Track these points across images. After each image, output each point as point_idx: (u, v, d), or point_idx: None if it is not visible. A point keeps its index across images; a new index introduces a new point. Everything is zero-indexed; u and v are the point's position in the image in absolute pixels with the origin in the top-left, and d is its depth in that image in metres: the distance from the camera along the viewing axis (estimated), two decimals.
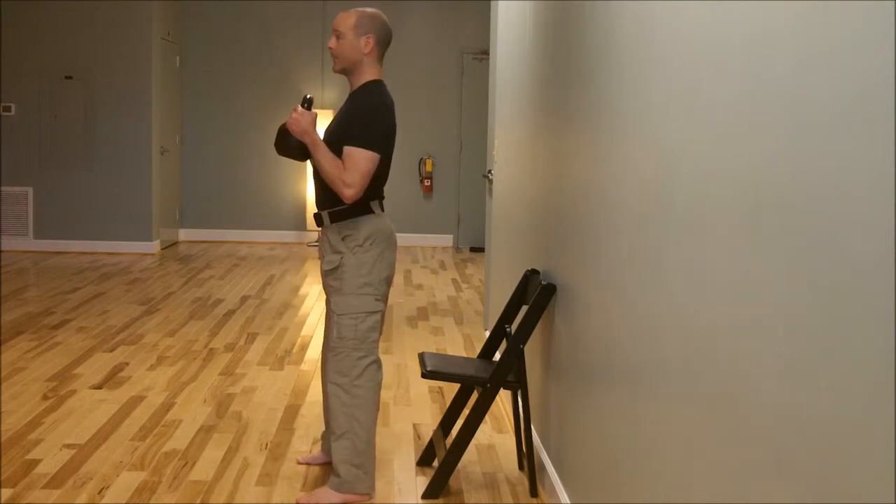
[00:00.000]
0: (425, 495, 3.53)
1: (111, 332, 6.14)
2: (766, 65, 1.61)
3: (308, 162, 3.55)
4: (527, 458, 3.62)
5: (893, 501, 1.18)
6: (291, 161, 10.79)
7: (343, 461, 3.43)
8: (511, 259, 4.83)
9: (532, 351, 3.86)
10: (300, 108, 3.43)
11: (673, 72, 2.13)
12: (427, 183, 11.00)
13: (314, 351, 5.78)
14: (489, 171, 6.13)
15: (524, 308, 3.71)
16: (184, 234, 10.93)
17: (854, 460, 1.29)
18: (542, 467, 3.61)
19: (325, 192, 3.49)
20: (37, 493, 3.48)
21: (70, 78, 9.73)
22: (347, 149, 3.37)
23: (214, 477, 3.69)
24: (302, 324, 6.59)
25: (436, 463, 3.80)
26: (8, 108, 9.72)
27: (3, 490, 3.48)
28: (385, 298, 3.52)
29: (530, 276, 3.83)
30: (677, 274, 2.07)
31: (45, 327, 6.21)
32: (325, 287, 3.54)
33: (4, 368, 5.16)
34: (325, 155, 3.39)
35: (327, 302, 3.58)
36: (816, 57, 1.43)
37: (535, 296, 3.54)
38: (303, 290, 7.93)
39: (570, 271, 3.27)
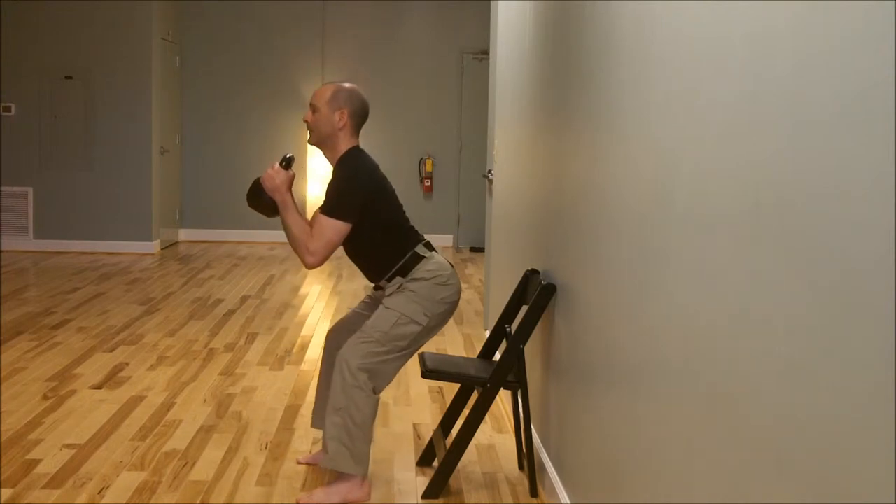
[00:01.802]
0: (425, 495, 3.53)
1: (111, 332, 6.14)
2: (766, 65, 1.61)
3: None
4: (527, 458, 3.62)
5: (893, 501, 1.18)
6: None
7: (332, 437, 3.45)
8: (511, 259, 4.83)
9: (532, 351, 3.86)
10: (277, 165, 3.52)
11: (673, 72, 2.13)
12: (427, 183, 11.00)
13: (314, 351, 5.78)
14: (489, 171, 6.13)
15: (524, 308, 3.71)
16: (184, 234, 10.93)
17: (854, 460, 1.29)
18: (542, 467, 3.61)
19: (372, 264, 3.61)
20: (37, 493, 3.48)
21: (70, 78, 9.73)
22: (319, 216, 3.48)
23: (214, 477, 3.69)
24: (302, 324, 6.59)
25: (436, 463, 3.80)
26: (8, 108, 9.72)
27: (3, 490, 3.48)
28: (432, 328, 3.55)
29: (530, 276, 3.83)
30: (677, 274, 2.07)
31: (45, 327, 6.21)
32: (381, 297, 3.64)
33: (4, 368, 5.16)
34: (293, 217, 3.49)
35: (365, 300, 3.77)
36: (816, 57, 1.43)
37: (535, 296, 3.54)
38: (303, 290, 7.94)
39: (570, 271, 3.27)
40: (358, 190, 3.49)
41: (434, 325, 3.56)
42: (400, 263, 3.53)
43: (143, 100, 9.72)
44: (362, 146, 3.65)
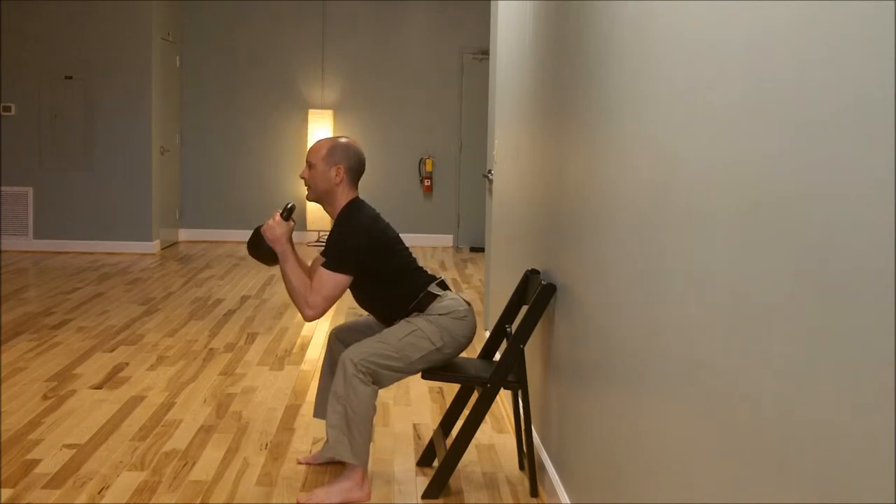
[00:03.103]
0: (425, 495, 3.53)
1: (111, 332, 6.14)
2: (766, 65, 1.61)
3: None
4: (527, 458, 3.62)
5: (893, 501, 1.18)
6: (292, 161, 10.79)
7: (332, 425, 3.46)
8: (511, 259, 4.83)
9: (532, 351, 3.86)
10: (278, 216, 3.54)
11: (673, 72, 2.13)
12: (427, 183, 11.00)
13: (314, 351, 5.78)
14: (489, 171, 6.13)
15: (524, 308, 3.71)
16: (184, 234, 10.93)
17: (854, 460, 1.29)
18: (542, 467, 3.61)
19: (385, 312, 3.63)
20: (37, 493, 3.48)
21: (70, 78, 9.73)
22: (319, 269, 3.50)
23: (214, 477, 3.69)
24: (302, 324, 6.59)
25: (436, 463, 3.80)
26: (8, 108, 9.72)
27: (3, 490, 3.48)
28: (445, 354, 3.55)
29: (530, 276, 3.83)
30: (677, 274, 2.07)
31: (45, 327, 6.21)
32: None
33: (4, 368, 5.16)
34: (292, 269, 3.51)
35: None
36: (816, 57, 1.43)
37: (535, 296, 3.54)
38: None
39: (570, 271, 3.27)
40: (359, 244, 3.52)
41: (448, 353, 3.57)
42: (413, 303, 3.55)
43: (143, 100, 9.72)
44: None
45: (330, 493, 3.46)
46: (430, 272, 3.69)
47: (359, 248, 3.51)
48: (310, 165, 3.60)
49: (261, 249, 3.59)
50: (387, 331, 3.53)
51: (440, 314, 3.53)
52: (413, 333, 3.50)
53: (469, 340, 3.62)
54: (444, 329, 3.52)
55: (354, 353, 3.45)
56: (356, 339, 3.65)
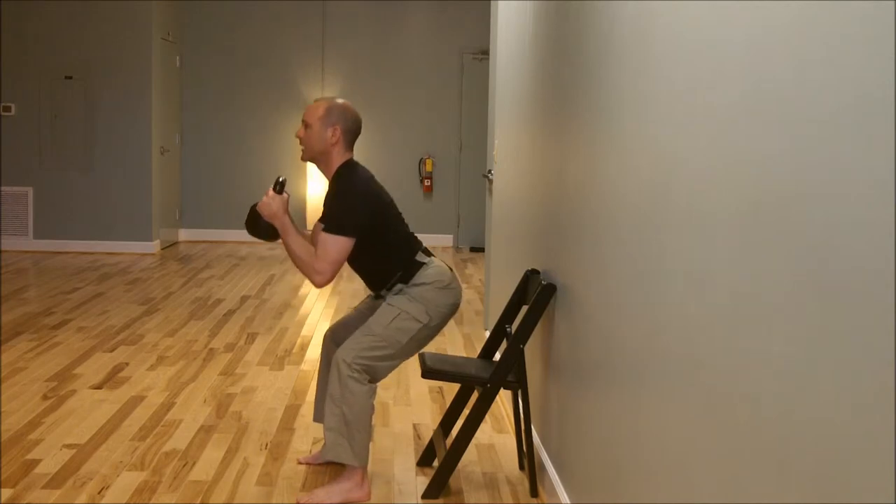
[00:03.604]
0: (425, 495, 3.53)
1: (111, 332, 6.14)
2: (766, 65, 1.61)
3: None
4: (527, 458, 3.62)
5: (893, 501, 1.18)
6: (292, 161, 10.79)
7: (330, 428, 3.46)
8: (511, 259, 4.83)
9: (532, 351, 3.86)
10: (272, 191, 3.52)
11: (673, 72, 2.13)
12: (427, 183, 11.00)
13: (314, 351, 5.78)
14: (489, 171, 6.13)
15: (524, 308, 3.71)
16: (184, 234, 10.93)
17: (855, 460, 1.29)
18: (542, 467, 3.61)
19: (373, 276, 3.63)
20: (37, 493, 3.48)
21: (70, 78, 9.73)
22: (321, 234, 3.49)
23: (214, 477, 3.69)
24: (302, 324, 6.59)
25: (436, 463, 3.80)
26: (8, 108, 9.72)
27: (3, 490, 3.48)
28: (433, 328, 3.56)
29: (530, 276, 3.83)
30: (677, 274, 2.07)
31: (45, 327, 6.21)
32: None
33: (4, 368, 5.16)
34: (295, 240, 3.49)
35: (366, 301, 3.78)
36: (816, 57, 1.43)
37: (535, 296, 3.54)
38: (303, 290, 7.93)
39: (570, 271, 3.27)
40: (357, 206, 3.51)
41: (435, 325, 3.57)
42: (401, 271, 3.56)
43: (143, 100, 9.72)
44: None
45: (330, 493, 3.46)
46: (417, 238, 3.68)
47: (357, 210, 3.50)
48: (306, 125, 3.59)
49: (259, 227, 3.59)
50: (372, 320, 3.52)
51: (425, 284, 3.52)
52: (398, 318, 3.49)
53: (455, 308, 3.61)
54: (428, 302, 3.52)
55: (346, 353, 3.45)
56: (349, 335, 3.64)
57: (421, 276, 3.54)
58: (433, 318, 3.54)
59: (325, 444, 3.50)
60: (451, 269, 3.65)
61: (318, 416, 3.86)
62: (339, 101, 3.65)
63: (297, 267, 3.53)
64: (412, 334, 3.51)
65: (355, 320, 3.73)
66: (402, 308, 3.50)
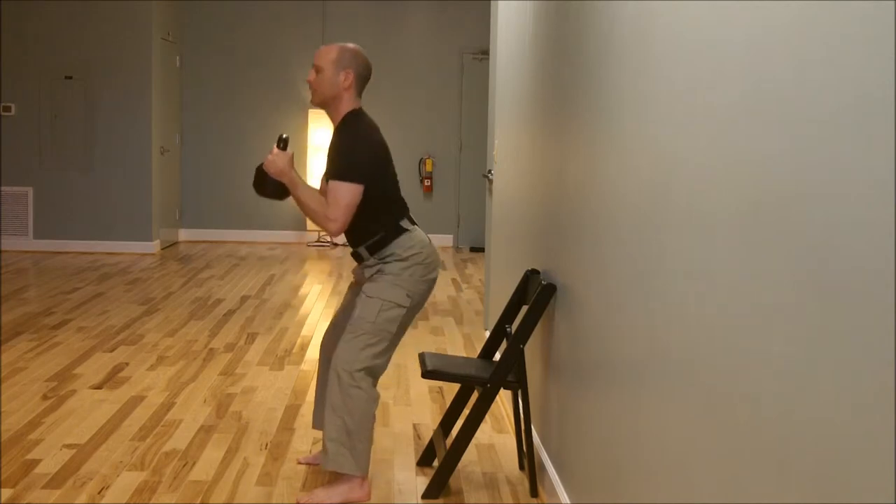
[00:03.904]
0: (425, 495, 3.53)
1: (111, 332, 6.14)
2: (766, 65, 1.61)
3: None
4: (527, 458, 3.62)
5: (893, 501, 1.18)
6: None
7: (331, 439, 3.44)
8: (511, 259, 4.83)
9: (532, 351, 3.86)
10: (276, 148, 3.49)
11: (673, 72, 2.13)
12: (427, 183, 11.00)
13: (314, 351, 5.78)
14: (489, 171, 6.13)
15: (524, 308, 3.71)
16: (184, 234, 10.93)
17: (854, 460, 1.29)
18: (542, 467, 3.61)
19: (355, 230, 3.56)
20: (37, 493, 3.48)
21: (70, 78, 9.73)
22: (331, 183, 3.45)
23: (214, 477, 3.69)
24: (302, 324, 6.59)
25: (436, 463, 3.80)
26: (8, 108, 9.72)
27: (3, 490, 3.48)
28: (416, 304, 3.54)
29: (530, 276, 3.83)
30: (677, 273, 2.07)
31: (45, 327, 6.21)
32: (361, 288, 3.59)
33: (4, 368, 5.16)
34: (304, 192, 3.46)
35: (348, 296, 3.71)
36: (816, 57, 1.43)
37: (535, 296, 3.54)
38: (303, 290, 7.93)
39: (570, 271, 3.27)
40: (366, 152, 3.47)
41: (416, 304, 3.55)
42: (382, 234, 3.50)
43: (143, 100, 9.72)
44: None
45: (330, 494, 3.46)
46: (406, 204, 3.64)
47: (365, 157, 3.46)
48: (317, 69, 3.53)
49: (267, 186, 3.53)
50: (357, 317, 3.46)
51: (402, 261, 3.47)
52: (382, 310, 3.45)
53: (433, 283, 3.58)
54: (407, 283, 3.48)
55: (344, 362, 3.42)
56: (340, 335, 3.61)
57: (399, 247, 3.50)
58: (414, 297, 3.51)
59: (325, 453, 3.47)
60: (429, 240, 3.61)
61: (318, 423, 3.85)
62: (351, 45, 3.59)
63: (310, 218, 3.49)
64: (399, 320, 3.49)
65: (343, 320, 3.71)
66: (383, 298, 3.46)
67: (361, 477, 3.48)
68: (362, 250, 3.56)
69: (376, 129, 3.55)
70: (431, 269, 3.57)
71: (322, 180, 3.60)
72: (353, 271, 3.75)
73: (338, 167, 3.45)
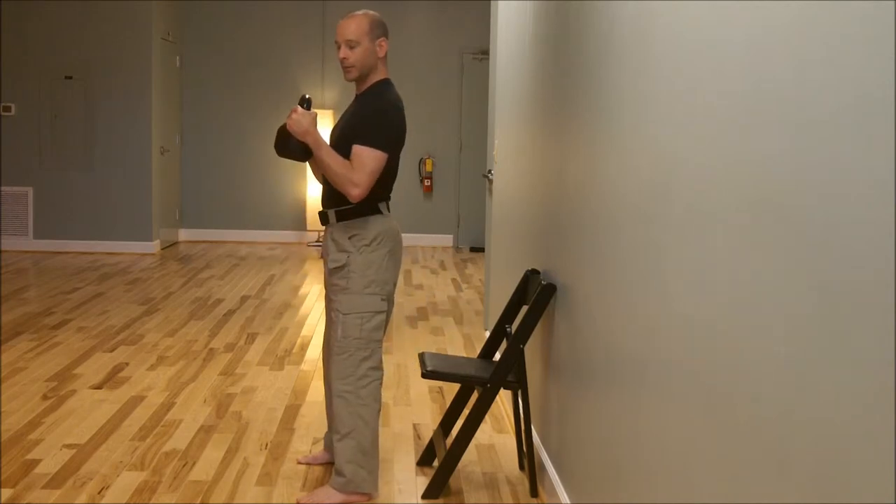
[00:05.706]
0: (425, 495, 3.53)
1: (111, 332, 6.14)
2: (766, 64, 1.61)
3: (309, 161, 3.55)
4: (527, 458, 3.62)
5: (893, 501, 1.18)
6: (291, 161, 10.79)
7: (349, 461, 3.43)
8: (511, 259, 4.83)
9: (532, 351, 3.86)
10: (300, 108, 3.39)
11: (673, 72, 2.13)
12: (427, 183, 11.00)
13: (314, 351, 5.78)
14: (489, 171, 6.13)
15: (524, 308, 3.71)
16: (184, 234, 10.93)
17: (854, 460, 1.29)
18: (542, 467, 3.61)
19: (332, 191, 3.48)
20: (37, 493, 3.48)
21: (70, 78, 9.73)
22: (356, 148, 3.37)
23: (214, 477, 3.69)
24: (302, 324, 6.59)
25: (436, 463, 3.80)
26: (8, 108, 9.72)
27: (3, 490, 3.48)
28: (391, 299, 3.52)
29: (530, 276, 3.83)
30: (677, 274, 2.07)
31: (45, 327, 6.21)
32: (329, 287, 3.52)
33: (4, 368, 5.16)
34: (329, 154, 3.37)
35: (328, 301, 3.57)
36: (816, 57, 1.43)
37: (535, 296, 3.54)
38: (303, 290, 7.93)
39: (570, 271, 3.27)
40: (395, 123, 3.43)
41: (389, 289, 3.49)
42: (358, 207, 3.43)
43: (143, 100, 9.72)
44: None
45: (330, 494, 3.46)
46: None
47: (394, 128, 3.42)
48: (352, 45, 3.42)
49: (290, 147, 3.42)
50: (342, 338, 3.41)
51: (366, 246, 3.39)
52: (364, 322, 3.40)
53: (399, 260, 3.52)
54: (377, 280, 3.41)
55: (344, 384, 3.41)
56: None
57: (367, 228, 3.41)
58: (383, 287, 3.44)
59: (340, 476, 3.43)
60: (398, 231, 3.54)
61: (329, 444, 3.78)
62: (371, 12, 3.51)
63: (332, 181, 3.40)
64: (380, 318, 3.45)
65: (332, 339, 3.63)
66: (361, 311, 3.40)
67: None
68: (332, 213, 3.48)
69: (402, 106, 3.49)
70: (395, 247, 3.49)
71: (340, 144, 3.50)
72: (321, 254, 3.65)
73: (365, 132, 3.38)
